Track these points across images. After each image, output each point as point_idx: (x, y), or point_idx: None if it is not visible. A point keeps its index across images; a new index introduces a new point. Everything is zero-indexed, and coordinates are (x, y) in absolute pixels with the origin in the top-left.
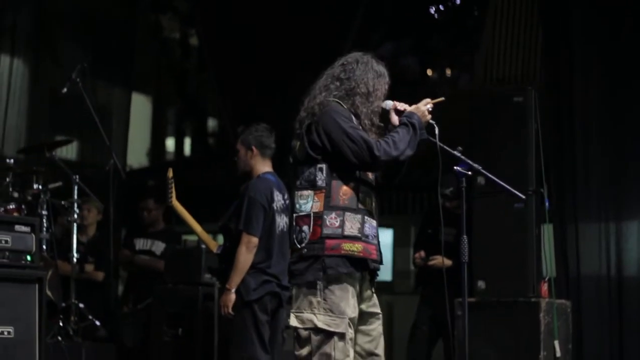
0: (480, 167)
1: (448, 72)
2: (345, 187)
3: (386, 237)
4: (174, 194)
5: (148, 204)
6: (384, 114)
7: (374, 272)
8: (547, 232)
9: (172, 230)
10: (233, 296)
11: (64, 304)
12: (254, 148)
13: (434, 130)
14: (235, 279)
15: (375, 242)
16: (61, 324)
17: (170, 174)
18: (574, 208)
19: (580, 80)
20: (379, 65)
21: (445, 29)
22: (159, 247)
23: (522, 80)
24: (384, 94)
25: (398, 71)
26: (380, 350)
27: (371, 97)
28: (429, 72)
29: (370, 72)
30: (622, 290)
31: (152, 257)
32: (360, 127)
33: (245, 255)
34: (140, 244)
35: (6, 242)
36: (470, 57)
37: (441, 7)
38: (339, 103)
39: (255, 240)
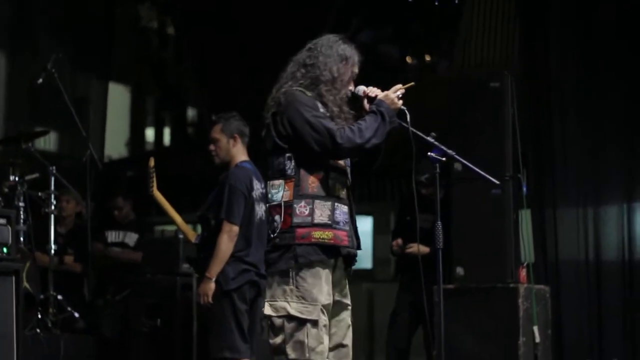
0: (454, 153)
1: (427, 58)
2: (314, 175)
3: (366, 224)
4: (155, 184)
5: (117, 203)
6: (357, 99)
7: (350, 259)
8: (526, 217)
9: (143, 220)
10: (213, 285)
11: (42, 296)
12: (236, 136)
13: (406, 117)
14: (216, 268)
15: (347, 228)
16: (39, 316)
17: (152, 163)
18: (552, 193)
19: (556, 66)
20: (345, 47)
21: (425, 15)
22: (131, 238)
23: (500, 65)
24: (350, 78)
25: (377, 57)
26: (348, 340)
27: (336, 84)
28: (408, 58)
29: (333, 57)
30: (601, 275)
31: (126, 248)
32: (327, 115)
33: (227, 244)
34: (112, 236)
35: None
36: (449, 43)
37: None
38: (303, 92)
39: (236, 229)
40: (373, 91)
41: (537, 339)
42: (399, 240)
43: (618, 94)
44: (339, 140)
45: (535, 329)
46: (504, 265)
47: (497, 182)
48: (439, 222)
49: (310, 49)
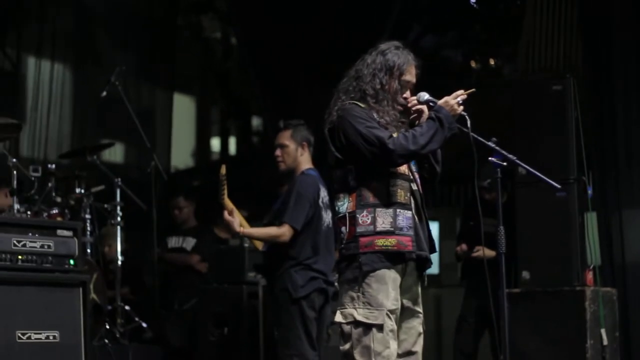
0: (514, 158)
1: (492, 62)
2: (374, 184)
3: (432, 229)
4: (226, 192)
5: (178, 202)
6: (423, 105)
7: (422, 264)
8: (591, 220)
9: (204, 226)
10: (235, 222)
11: (110, 307)
12: (305, 144)
13: (466, 122)
14: (250, 233)
15: (411, 233)
16: (108, 326)
17: (223, 170)
18: (617, 195)
19: (619, 68)
20: (394, 55)
21: (488, 18)
22: (189, 243)
23: (564, 68)
24: (400, 87)
25: (441, 62)
26: (418, 347)
27: (380, 96)
28: (473, 63)
29: (377, 68)
30: None
31: (183, 253)
32: (381, 125)
33: (275, 237)
34: (173, 242)
35: (49, 246)
36: (513, 46)
37: None
38: (357, 104)
39: (290, 234)
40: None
41: (605, 342)
42: (463, 246)
43: None
44: (391, 147)
45: (603, 331)
46: (570, 269)
47: (558, 186)
48: (502, 227)
49: (363, 59)
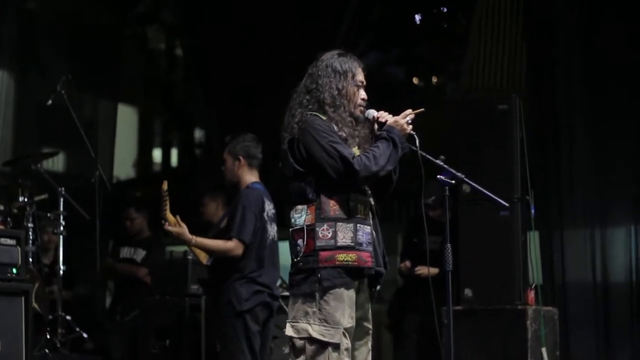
0: (463, 176)
1: (434, 80)
2: (334, 198)
3: None
4: (167, 207)
5: (129, 213)
6: (370, 122)
7: (374, 280)
8: (534, 239)
9: (156, 238)
10: (184, 231)
11: (51, 317)
12: (241, 158)
13: (415, 141)
14: (203, 244)
15: (370, 248)
16: (48, 336)
17: (165, 186)
18: (559, 215)
19: (563, 87)
20: (341, 61)
21: (432, 36)
22: (139, 254)
23: (508, 87)
24: (356, 91)
25: (384, 79)
26: None
27: (337, 102)
28: (415, 80)
29: (331, 76)
30: (608, 297)
31: (133, 264)
32: (342, 139)
33: (225, 252)
34: (124, 252)
35: None
36: (456, 65)
37: (427, 15)
38: (318, 116)
39: (241, 249)
40: (383, 116)
41: None
42: (407, 263)
43: (625, 115)
44: (357, 167)
45: (544, 350)
46: (512, 287)
47: (507, 204)
48: (449, 245)
49: (311, 74)
